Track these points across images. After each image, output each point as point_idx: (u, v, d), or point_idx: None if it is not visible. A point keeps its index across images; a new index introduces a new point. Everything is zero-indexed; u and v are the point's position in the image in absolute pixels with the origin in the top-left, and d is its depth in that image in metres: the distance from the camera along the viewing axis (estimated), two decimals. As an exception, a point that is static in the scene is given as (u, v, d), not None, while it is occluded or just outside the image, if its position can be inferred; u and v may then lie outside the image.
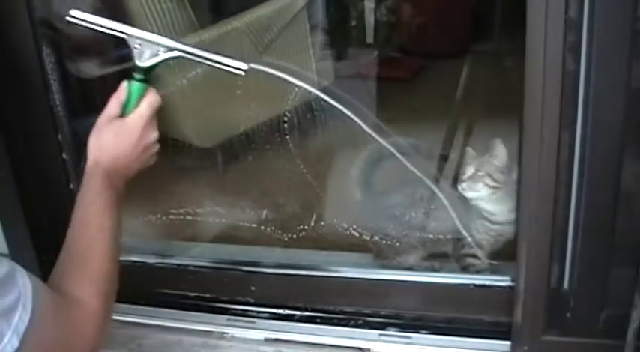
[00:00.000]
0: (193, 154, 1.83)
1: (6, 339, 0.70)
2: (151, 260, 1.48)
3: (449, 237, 1.38)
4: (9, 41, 1.31)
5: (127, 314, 1.44)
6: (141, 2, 1.76)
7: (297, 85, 1.19)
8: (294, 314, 1.39)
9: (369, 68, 2.40)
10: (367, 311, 1.36)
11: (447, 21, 2.93)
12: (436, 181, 1.37)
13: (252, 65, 1.00)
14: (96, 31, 0.99)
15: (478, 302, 1.29)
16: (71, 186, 1.44)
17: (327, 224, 1.47)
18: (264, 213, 1.58)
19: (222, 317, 1.40)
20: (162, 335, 1.40)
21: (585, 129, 1.05)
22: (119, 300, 1.38)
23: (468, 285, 1.30)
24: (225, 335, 1.39)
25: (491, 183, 1.27)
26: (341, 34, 2.53)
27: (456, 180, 1.33)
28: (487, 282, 1.29)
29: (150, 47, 0.96)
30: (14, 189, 1.40)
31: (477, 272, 1.34)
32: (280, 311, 1.40)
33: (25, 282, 0.74)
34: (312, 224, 1.47)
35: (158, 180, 1.85)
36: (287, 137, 1.46)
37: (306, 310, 1.39)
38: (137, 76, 0.97)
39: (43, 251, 1.47)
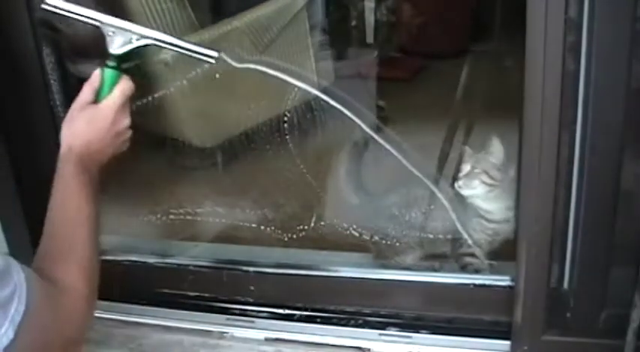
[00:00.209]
0: (193, 154, 1.83)
1: (2, 331, 0.71)
2: (151, 260, 1.48)
3: (447, 236, 1.37)
4: (9, 41, 1.32)
5: (127, 314, 1.44)
6: (141, 2, 1.76)
7: (295, 85, 1.20)
8: (294, 314, 1.39)
9: (369, 68, 2.40)
10: (367, 311, 1.36)
11: (447, 21, 2.93)
12: (435, 181, 1.37)
13: (251, 65, 1.02)
14: (69, 18, 1.01)
15: (478, 302, 1.29)
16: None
17: (327, 224, 1.47)
18: (264, 213, 1.58)
19: (222, 317, 1.40)
20: (162, 334, 1.40)
21: (585, 129, 1.05)
22: (120, 300, 1.39)
23: (467, 285, 1.30)
24: (225, 334, 1.39)
25: (488, 181, 1.27)
26: (341, 34, 2.53)
27: (454, 180, 1.33)
28: (487, 282, 1.29)
29: (123, 35, 0.98)
30: (14, 189, 1.40)
31: (476, 271, 1.34)
32: (280, 310, 1.40)
33: (19, 275, 0.75)
34: (312, 224, 1.47)
35: (158, 180, 1.86)
36: (287, 137, 1.46)
37: (306, 310, 1.39)
38: (110, 63, 0.98)
39: (43, 251, 1.47)
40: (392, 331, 1.32)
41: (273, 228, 1.52)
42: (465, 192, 1.29)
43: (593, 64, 1.01)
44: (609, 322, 1.14)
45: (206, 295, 1.45)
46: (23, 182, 1.41)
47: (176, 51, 1.02)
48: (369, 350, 1.31)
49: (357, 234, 1.43)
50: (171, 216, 1.63)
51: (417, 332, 1.30)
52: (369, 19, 2.70)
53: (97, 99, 0.97)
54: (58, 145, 1.38)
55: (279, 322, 1.38)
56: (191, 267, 1.45)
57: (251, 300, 1.42)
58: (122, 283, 1.46)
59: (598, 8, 0.97)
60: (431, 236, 1.38)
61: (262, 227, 1.53)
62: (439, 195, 1.32)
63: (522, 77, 1.03)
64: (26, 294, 0.74)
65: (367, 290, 1.37)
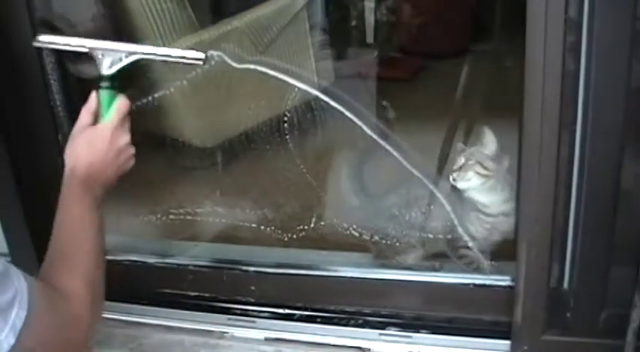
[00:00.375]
0: (193, 154, 1.83)
1: (2, 336, 0.71)
2: (151, 260, 1.48)
3: (447, 236, 1.37)
4: (9, 41, 1.31)
5: (127, 314, 1.44)
6: (141, 2, 1.76)
7: (295, 85, 1.20)
8: (295, 314, 1.39)
9: (369, 68, 2.40)
10: (367, 310, 1.36)
11: (447, 21, 2.92)
12: (435, 181, 1.37)
13: (251, 66, 1.03)
14: (60, 50, 1.06)
15: (478, 301, 1.29)
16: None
17: (327, 224, 1.47)
18: (264, 213, 1.58)
19: (223, 317, 1.40)
20: (162, 334, 1.40)
21: (585, 129, 1.05)
22: (120, 300, 1.39)
23: (467, 285, 1.30)
24: (225, 334, 1.39)
25: (482, 171, 1.26)
26: (341, 34, 2.53)
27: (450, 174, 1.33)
28: (487, 282, 1.29)
29: (111, 55, 1.01)
30: (14, 189, 1.40)
31: (471, 263, 1.33)
32: (280, 310, 1.40)
33: (20, 281, 0.75)
34: (312, 224, 1.47)
35: (158, 180, 1.85)
36: (287, 137, 1.46)
37: (306, 310, 1.39)
38: (104, 84, 1.01)
39: (43, 251, 1.46)
40: (392, 331, 1.32)
41: (273, 228, 1.52)
42: (460, 184, 1.29)
43: (593, 64, 1.01)
44: (609, 322, 1.14)
45: (206, 295, 1.45)
46: (23, 182, 1.41)
47: (164, 60, 1.05)
48: (369, 350, 1.31)
49: (357, 234, 1.43)
50: (171, 216, 1.63)
51: (418, 332, 1.30)
52: (369, 19, 2.70)
53: (97, 120, 1.00)
54: (58, 145, 1.38)
55: (280, 322, 1.38)
56: (191, 267, 1.46)
57: (251, 300, 1.42)
58: (122, 283, 1.45)
59: (598, 8, 0.97)
60: (431, 236, 1.38)
61: (262, 227, 1.53)
62: (438, 195, 1.33)
63: (522, 77, 1.04)
64: (28, 300, 0.74)
65: (367, 290, 1.37)
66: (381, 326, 1.33)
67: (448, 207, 1.32)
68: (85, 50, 1.01)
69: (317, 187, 1.49)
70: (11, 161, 1.38)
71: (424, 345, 1.29)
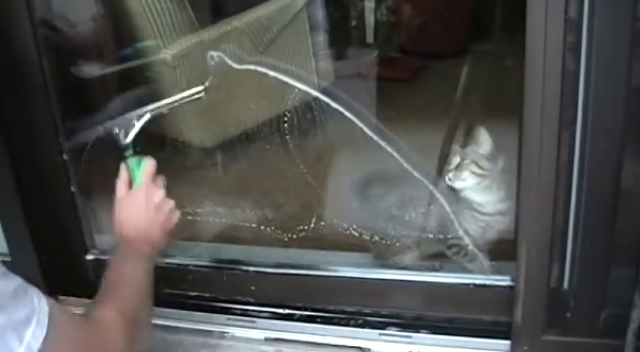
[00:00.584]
0: (193, 154, 1.83)
1: None
2: (151, 260, 1.48)
3: (447, 236, 1.37)
4: (9, 41, 1.31)
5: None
6: (141, 2, 1.76)
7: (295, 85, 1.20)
8: (295, 314, 1.39)
9: (369, 68, 2.40)
10: (367, 310, 1.36)
11: (447, 21, 2.92)
12: (435, 181, 1.37)
13: (252, 66, 1.06)
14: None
15: (478, 302, 1.29)
16: (72, 188, 1.44)
17: (327, 224, 1.47)
18: (264, 213, 1.58)
19: (223, 317, 1.41)
20: (162, 334, 1.40)
21: (585, 129, 1.05)
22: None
23: (467, 285, 1.30)
24: (225, 334, 1.39)
25: (477, 171, 1.27)
26: (341, 34, 2.53)
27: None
28: (487, 282, 1.29)
29: (124, 125, 1.10)
30: (14, 189, 1.40)
31: (465, 255, 1.33)
32: (280, 310, 1.40)
33: (40, 301, 0.75)
34: (312, 224, 1.47)
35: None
36: (287, 137, 1.46)
37: (306, 310, 1.39)
38: (127, 153, 1.10)
39: (43, 251, 1.47)
40: (392, 331, 1.32)
41: (273, 228, 1.52)
42: (456, 184, 1.29)
43: (593, 64, 1.01)
44: (609, 322, 1.14)
45: (206, 295, 1.45)
46: (23, 182, 1.41)
47: (171, 106, 1.14)
48: (369, 350, 1.31)
49: (357, 234, 1.43)
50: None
51: (417, 332, 1.30)
52: (369, 19, 2.70)
53: (132, 187, 1.11)
54: (58, 145, 1.39)
55: (280, 322, 1.38)
56: (191, 267, 1.46)
57: (251, 300, 1.42)
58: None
59: (598, 8, 0.97)
60: (431, 235, 1.38)
61: (262, 227, 1.53)
62: (437, 195, 1.33)
63: (522, 77, 1.03)
64: (48, 321, 0.74)
65: (367, 290, 1.37)
66: (381, 326, 1.33)
67: (448, 208, 1.32)
68: (102, 134, 1.13)
69: (317, 187, 1.49)
70: (11, 161, 1.38)
71: (424, 345, 1.29)
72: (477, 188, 1.29)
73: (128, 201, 1.09)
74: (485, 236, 1.32)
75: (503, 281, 1.27)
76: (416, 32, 2.95)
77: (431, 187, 1.33)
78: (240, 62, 1.33)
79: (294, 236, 1.48)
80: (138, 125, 1.10)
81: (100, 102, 1.74)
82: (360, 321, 1.35)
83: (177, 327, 1.41)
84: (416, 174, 1.31)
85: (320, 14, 2.11)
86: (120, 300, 0.96)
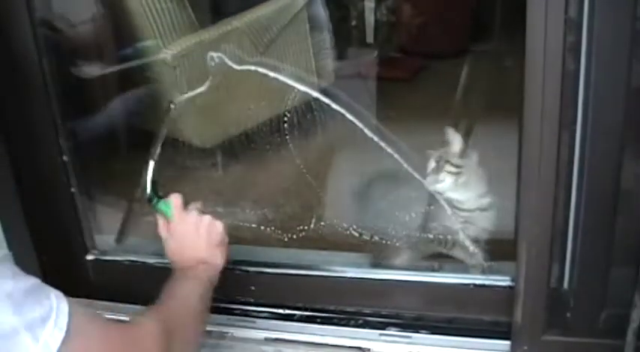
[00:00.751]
0: (193, 154, 1.83)
1: None
2: (151, 260, 1.48)
3: (447, 236, 1.37)
4: (9, 41, 1.31)
5: (127, 315, 1.44)
6: (141, 2, 1.76)
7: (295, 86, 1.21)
8: (295, 314, 1.39)
9: (369, 68, 2.40)
10: (367, 311, 1.36)
11: (447, 21, 2.92)
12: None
13: (252, 67, 1.06)
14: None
15: (478, 302, 1.29)
16: (72, 189, 1.44)
17: (327, 224, 1.47)
18: (264, 213, 1.58)
19: (223, 317, 1.40)
20: (162, 335, 1.40)
21: (585, 129, 1.05)
22: (120, 300, 1.39)
23: (467, 285, 1.30)
24: (225, 334, 1.39)
25: (452, 169, 1.29)
26: (341, 34, 2.53)
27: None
28: (487, 282, 1.29)
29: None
30: (14, 189, 1.40)
31: (453, 245, 1.35)
32: (280, 311, 1.40)
33: (60, 301, 0.75)
34: (312, 224, 1.47)
35: (158, 180, 1.85)
36: (287, 137, 1.46)
37: (306, 310, 1.39)
38: (154, 202, 1.21)
39: (43, 251, 1.47)
40: (392, 331, 1.32)
41: (273, 228, 1.52)
42: (435, 187, 1.31)
43: (593, 64, 1.01)
44: (609, 322, 1.14)
45: (206, 295, 1.45)
46: (23, 182, 1.41)
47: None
48: (369, 350, 1.31)
49: (357, 234, 1.43)
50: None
51: (417, 332, 1.30)
52: (369, 19, 2.70)
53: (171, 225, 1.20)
54: (58, 146, 1.39)
55: (280, 322, 1.38)
56: (191, 267, 1.45)
57: (251, 300, 1.42)
58: (122, 283, 1.46)
59: (598, 8, 0.97)
60: (430, 235, 1.39)
61: (262, 227, 1.53)
62: (438, 196, 1.33)
63: (522, 77, 1.03)
64: (67, 321, 0.74)
65: (367, 290, 1.37)
66: (381, 326, 1.33)
67: (448, 209, 1.32)
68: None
69: (317, 187, 1.49)
70: (11, 161, 1.38)
71: (424, 345, 1.29)
72: (455, 186, 1.31)
73: (172, 241, 1.18)
74: (467, 232, 1.34)
75: (503, 281, 1.27)
76: (416, 32, 2.95)
77: (430, 188, 1.33)
78: (240, 62, 1.33)
79: (294, 236, 1.48)
80: (150, 171, 1.21)
81: (100, 102, 1.74)
82: (360, 321, 1.35)
83: (177, 327, 1.41)
84: (416, 174, 1.32)
85: (320, 14, 2.11)
86: (164, 312, 0.99)
